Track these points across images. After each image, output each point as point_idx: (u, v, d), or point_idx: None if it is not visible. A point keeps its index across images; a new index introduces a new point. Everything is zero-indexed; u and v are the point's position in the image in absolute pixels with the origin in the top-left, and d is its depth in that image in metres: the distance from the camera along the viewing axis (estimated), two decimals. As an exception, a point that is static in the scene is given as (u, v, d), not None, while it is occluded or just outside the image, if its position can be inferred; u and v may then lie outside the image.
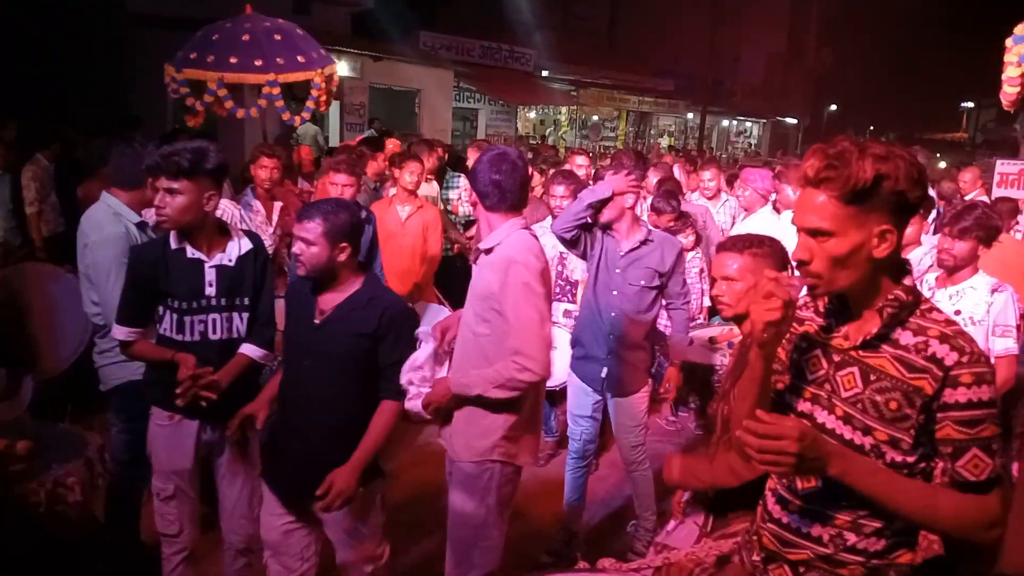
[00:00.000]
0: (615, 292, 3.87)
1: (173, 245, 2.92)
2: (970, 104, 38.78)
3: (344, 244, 2.71)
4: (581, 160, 6.58)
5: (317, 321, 2.80)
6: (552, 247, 4.79)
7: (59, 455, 2.61)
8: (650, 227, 4.02)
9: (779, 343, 1.76)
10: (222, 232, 3.03)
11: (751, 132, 36.00)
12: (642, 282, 3.84)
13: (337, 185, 4.62)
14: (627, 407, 3.99)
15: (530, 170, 3.50)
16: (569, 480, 4.16)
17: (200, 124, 6.86)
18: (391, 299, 2.88)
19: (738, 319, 2.60)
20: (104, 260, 3.19)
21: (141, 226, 3.37)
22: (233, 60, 6.30)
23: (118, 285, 3.05)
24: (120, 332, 2.95)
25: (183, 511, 3.07)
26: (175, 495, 3.04)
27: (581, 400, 4.07)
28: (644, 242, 3.86)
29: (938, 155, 14.76)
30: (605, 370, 3.93)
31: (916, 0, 32.95)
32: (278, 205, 5.23)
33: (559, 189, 4.76)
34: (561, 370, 4.44)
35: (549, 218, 4.89)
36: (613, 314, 3.87)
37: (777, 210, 5.61)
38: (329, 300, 2.79)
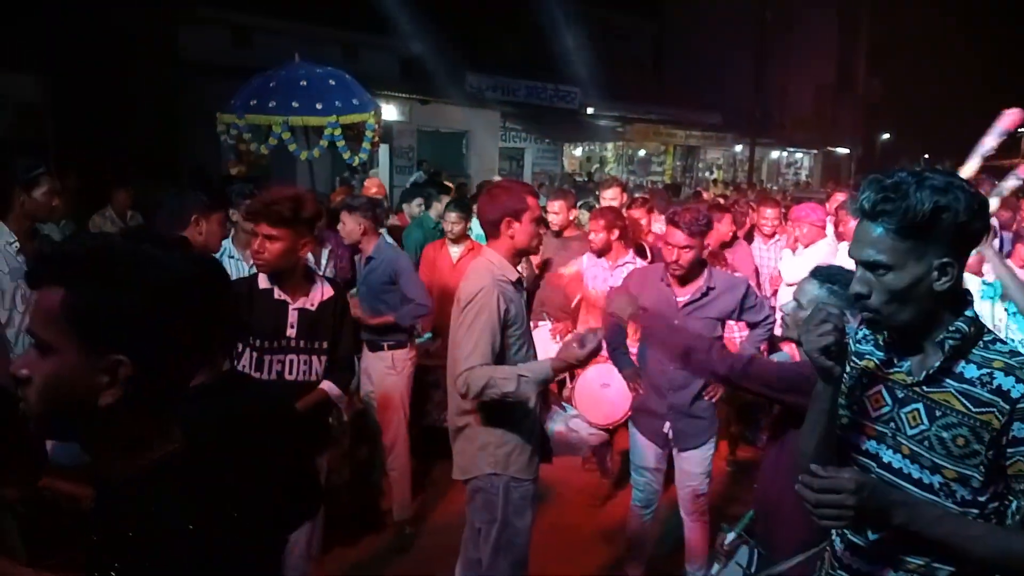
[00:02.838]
0: None
1: (261, 285, 3.06)
2: (1029, 128, 37.83)
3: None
4: (611, 193, 6.33)
5: None
6: (602, 280, 4.85)
7: None
8: (713, 270, 3.79)
9: (842, 372, 1.71)
10: (308, 277, 3.16)
11: (802, 163, 35.60)
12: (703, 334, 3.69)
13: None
14: (693, 459, 3.82)
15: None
16: (632, 527, 4.02)
17: (245, 172, 7.05)
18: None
19: None
20: None
21: None
22: (295, 105, 6.54)
23: None
24: None
25: None
26: None
27: (643, 452, 3.91)
28: (706, 292, 3.64)
29: (996, 182, 14.30)
30: (668, 425, 3.77)
31: (967, 25, 32.46)
32: (326, 250, 5.31)
33: (597, 223, 4.92)
34: (616, 408, 4.38)
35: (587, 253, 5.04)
36: (672, 368, 3.62)
37: (839, 238, 5.57)
38: None
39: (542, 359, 2.88)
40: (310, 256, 5.17)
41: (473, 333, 2.82)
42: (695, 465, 3.80)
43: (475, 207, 5.49)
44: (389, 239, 5.40)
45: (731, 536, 2.69)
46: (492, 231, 3.01)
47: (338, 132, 6.62)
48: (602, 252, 4.95)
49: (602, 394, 4.49)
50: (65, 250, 1.13)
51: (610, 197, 6.05)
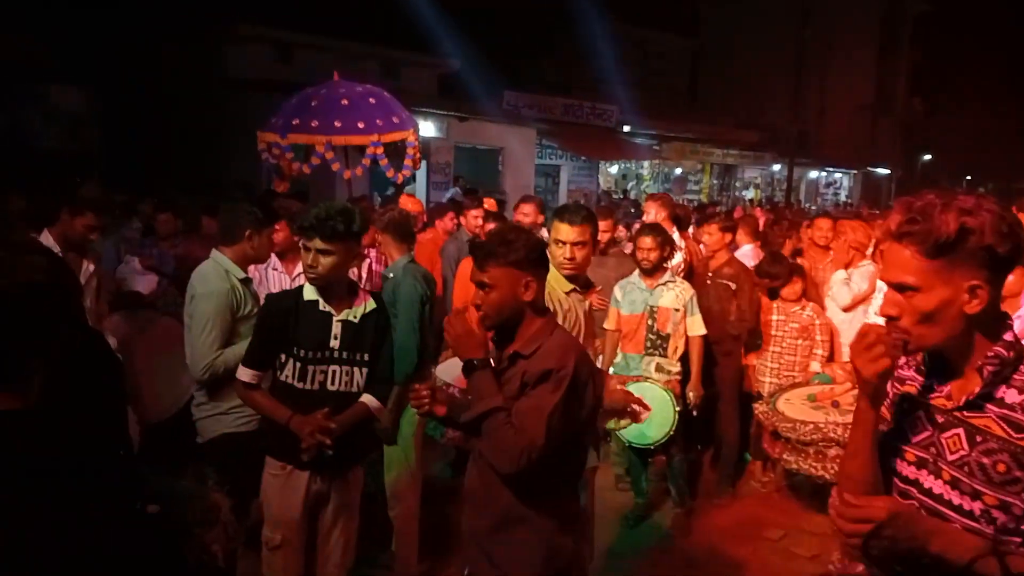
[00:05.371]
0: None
1: (307, 297, 3.12)
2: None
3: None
4: (652, 208, 6.32)
5: None
6: (643, 303, 4.84)
7: (196, 518, 2.57)
8: (557, 330, 2.52)
9: (884, 393, 1.70)
10: (351, 290, 3.23)
11: (841, 183, 35.20)
12: None
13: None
14: None
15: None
16: None
17: (287, 188, 7.19)
18: None
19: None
20: (205, 313, 3.35)
21: (245, 282, 3.54)
22: (338, 124, 6.67)
23: (211, 338, 3.30)
24: (244, 373, 3.12)
25: (288, 562, 3.15)
26: (282, 545, 3.13)
27: None
28: (513, 359, 2.43)
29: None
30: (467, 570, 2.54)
31: (1008, 46, 32.02)
32: (366, 263, 5.38)
33: (647, 241, 4.86)
34: (657, 428, 4.38)
35: (636, 272, 4.97)
36: (474, 472, 2.53)
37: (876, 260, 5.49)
38: None
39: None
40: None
41: None
42: None
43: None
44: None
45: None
46: None
47: (380, 151, 6.74)
48: (652, 271, 4.87)
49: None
50: None
51: (653, 213, 5.96)
